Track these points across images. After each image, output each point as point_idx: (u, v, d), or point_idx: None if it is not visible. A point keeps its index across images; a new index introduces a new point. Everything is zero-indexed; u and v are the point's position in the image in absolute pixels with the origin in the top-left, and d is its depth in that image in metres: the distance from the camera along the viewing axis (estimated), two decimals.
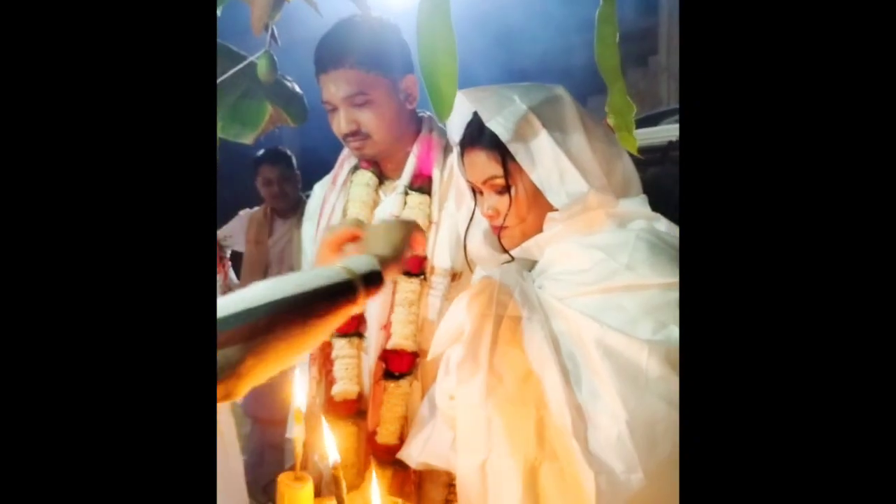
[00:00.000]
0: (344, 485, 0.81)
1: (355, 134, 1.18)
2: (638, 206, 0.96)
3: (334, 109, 1.19)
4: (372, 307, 1.22)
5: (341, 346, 1.25)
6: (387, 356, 1.21)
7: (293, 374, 0.96)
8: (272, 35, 1.27)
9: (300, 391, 0.95)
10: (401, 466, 1.21)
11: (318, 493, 1.07)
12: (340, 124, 1.18)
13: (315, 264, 0.95)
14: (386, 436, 1.21)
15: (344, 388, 1.25)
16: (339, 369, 1.25)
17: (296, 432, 0.93)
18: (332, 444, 0.85)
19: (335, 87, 1.16)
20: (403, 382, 1.20)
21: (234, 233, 2.74)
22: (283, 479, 0.90)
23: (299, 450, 0.93)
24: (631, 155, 1.00)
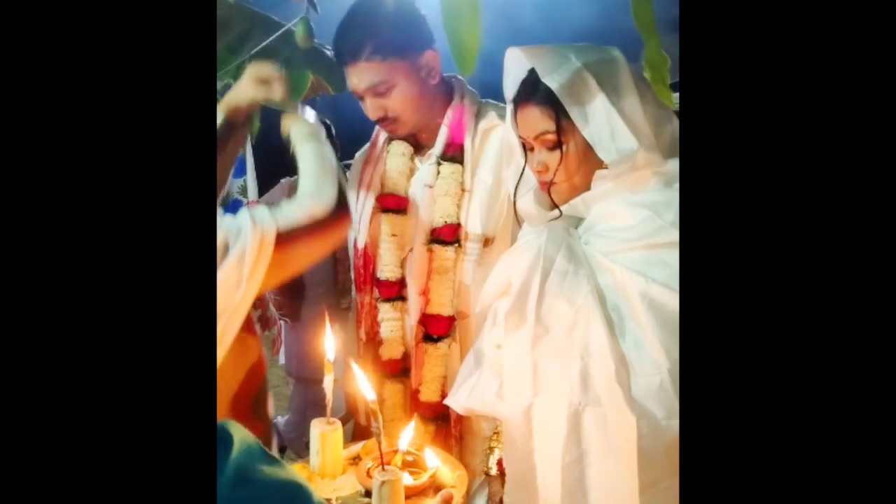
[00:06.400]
0: (381, 418, 0.87)
1: (384, 119, 1.22)
2: None
3: (361, 98, 1.22)
4: (411, 274, 1.27)
5: (386, 310, 1.31)
6: (426, 320, 1.26)
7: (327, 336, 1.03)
8: (310, 1, 1.29)
9: (329, 346, 1.03)
10: (443, 421, 1.27)
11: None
12: (368, 112, 1.22)
13: None
14: (428, 394, 1.27)
15: (390, 348, 1.31)
16: (384, 331, 1.31)
17: (326, 381, 1.03)
18: (365, 384, 0.91)
19: (357, 80, 1.19)
20: (442, 345, 1.26)
21: (275, 199, 2.81)
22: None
23: (329, 395, 1.04)
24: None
